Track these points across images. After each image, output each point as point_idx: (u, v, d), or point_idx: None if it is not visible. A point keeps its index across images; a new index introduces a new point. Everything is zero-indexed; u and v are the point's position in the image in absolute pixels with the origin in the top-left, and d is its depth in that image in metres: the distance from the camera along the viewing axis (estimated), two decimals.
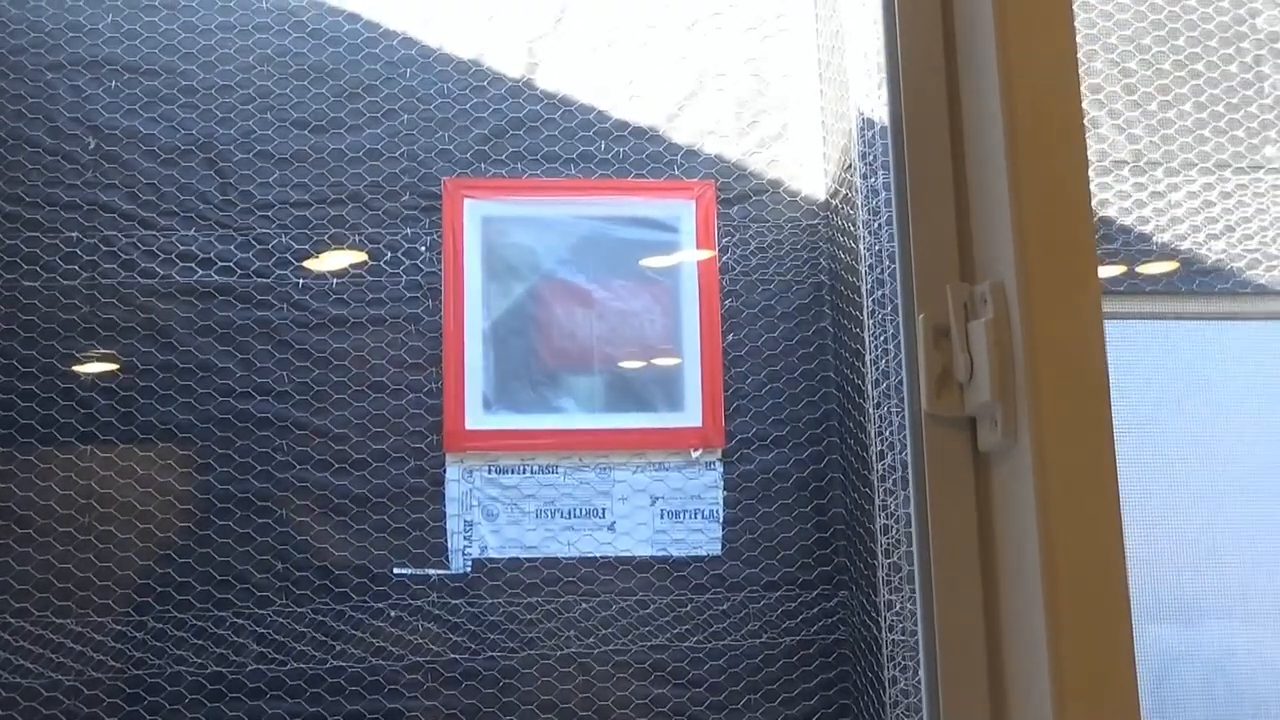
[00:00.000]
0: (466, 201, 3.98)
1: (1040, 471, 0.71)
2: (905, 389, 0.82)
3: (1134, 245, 3.92)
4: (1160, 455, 3.75)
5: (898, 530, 3.54)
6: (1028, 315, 0.72)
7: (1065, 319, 0.73)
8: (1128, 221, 3.93)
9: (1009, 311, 0.74)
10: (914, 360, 0.80)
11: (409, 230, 3.96)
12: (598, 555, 3.90)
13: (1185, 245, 3.93)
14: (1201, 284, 3.92)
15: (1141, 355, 3.86)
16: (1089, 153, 3.97)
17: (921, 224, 0.79)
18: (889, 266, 3.62)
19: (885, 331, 3.61)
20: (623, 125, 4.11)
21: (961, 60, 0.79)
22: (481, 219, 4.00)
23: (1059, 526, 0.70)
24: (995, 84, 0.74)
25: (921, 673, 0.79)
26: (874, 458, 3.68)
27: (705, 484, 3.97)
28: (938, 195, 0.79)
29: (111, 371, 3.79)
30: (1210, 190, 3.96)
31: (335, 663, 3.73)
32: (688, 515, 3.96)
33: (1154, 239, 3.93)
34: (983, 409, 0.76)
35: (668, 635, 3.88)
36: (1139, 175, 3.95)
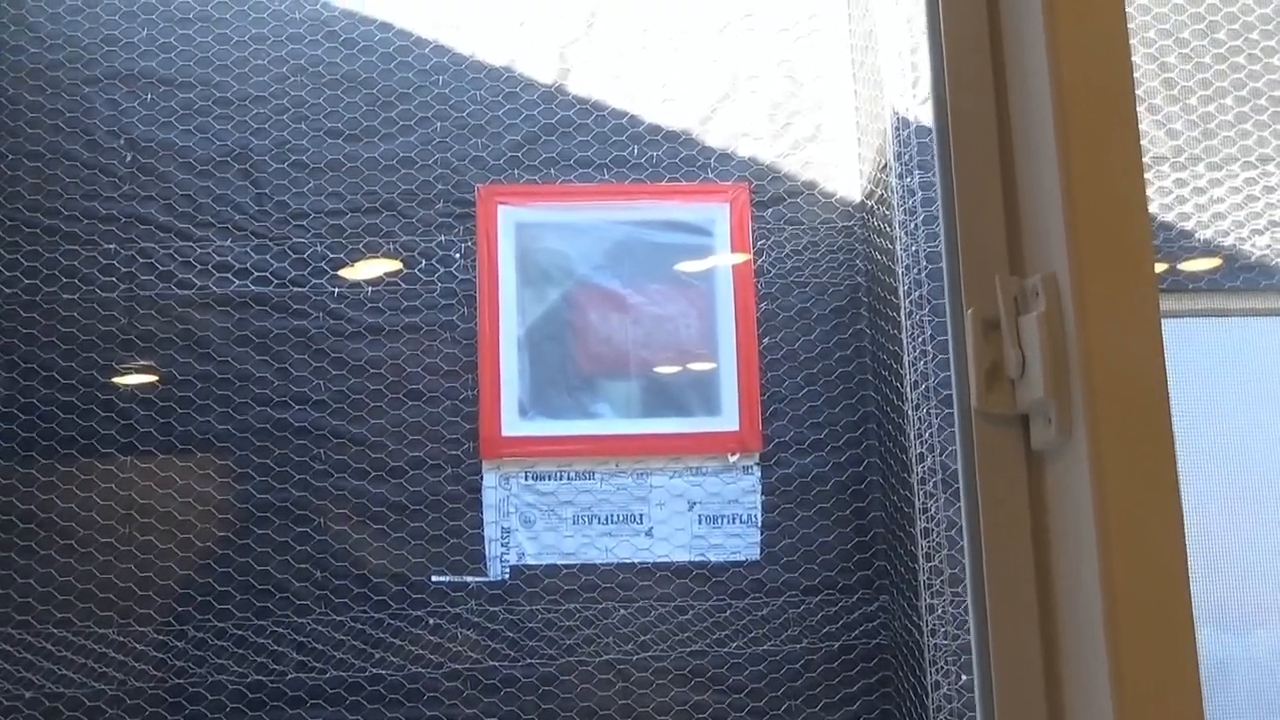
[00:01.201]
0: (500, 208, 3.97)
1: (1097, 469, 0.68)
2: (954, 386, 0.80)
3: (1176, 242, 3.86)
4: (1207, 454, 3.69)
5: (938, 534, 3.49)
6: (1082, 307, 0.70)
7: (1121, 311, 0.70)
8: (1169, 218, 3.87)
9: (1062, 304, 0.71)
10: (962, 356, 0.77)
11: (443, 238, 3.96)
12: (636, 561, 3.88)
13: (1228, 241, 3.87)
14: (1246, 280, 3.85)
15: (1185, 353, 3.80)
16: None
17: (969, 215, 0.76)
18: (926, 267, 3.58)
19: (924, 333, 3.57)
20: (655, 129, 4.09)
21: (1008, 42, 0.76)
22: (515, 225, 3.99)
23: (1117, 527, 0.68)
24: (1044, 67, 0.71)
25: (975, 680, 0.76)
26: (913, 460, 3.64)
27: (743, 488, 3.94)
28: (985, 185, 0.76)
29: (150, 382, 3.81)
30: (1253, 185, 3.90)
31: (375, 671, 3.73)
32: (726, 520, 3.93)
33: (1196, 235, 3.87)
34: (1035, 405, 0.74)
35: (707, 641, 3.86)
36: (1180, 171, 3.89)
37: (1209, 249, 3.88)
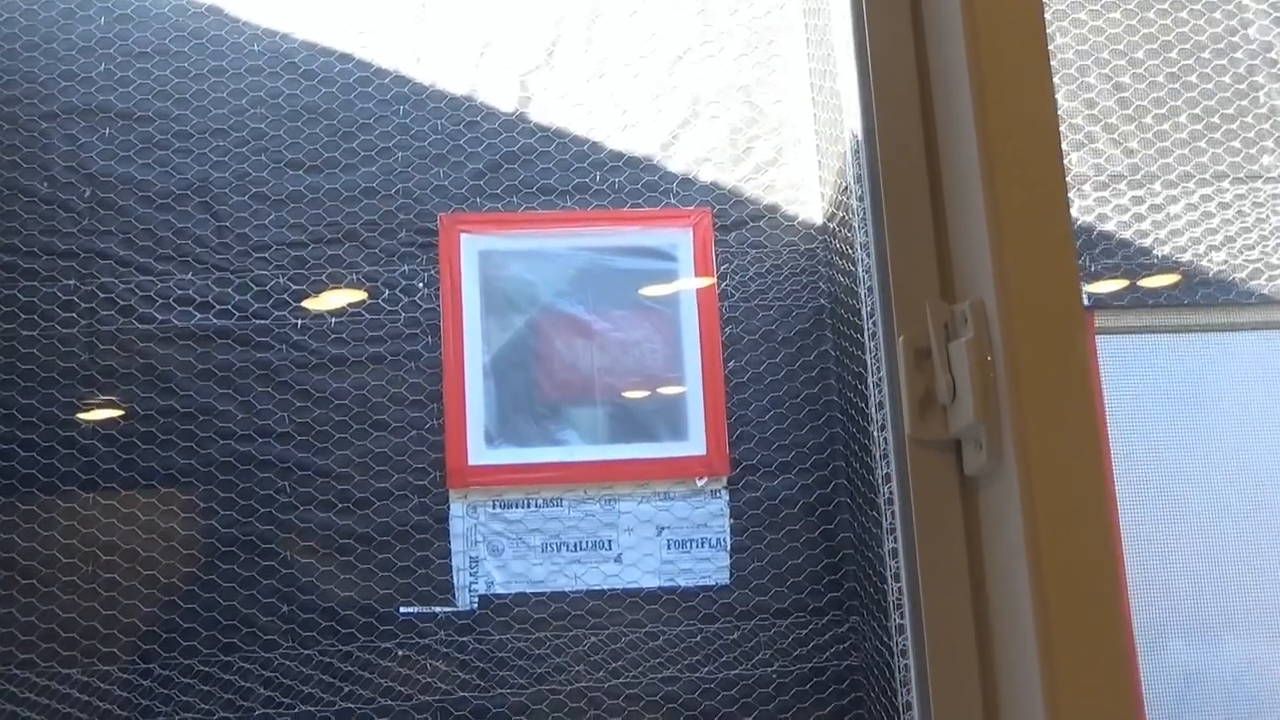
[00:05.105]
0: (463, 237, 3.97)
1: (1027, 494, 0.69)
2: (889, 413, 0.80)
3: (1134, 259, 3.90)
4: (1171, 467, 3.72)
5: None
6: (1009, 334, 0.70)
7: (1048, 336, 0.71)
8: (1127, 235, 3.92)
9: (990, 330, 0.72)
10: (896, 383, 0.78)
11: (406, 267, 3.95)
12: (605, 588, 3.87)
13: (1186, 257, 3.92)
14: (1204, 295, 3.90)
15: (1146, 369, 3.83)
16: (1086, 168, 3.95)
17: (899, 243, 0.77)
18: None
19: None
20: (617, 156, 4.11)
21: (935, 76, 0.77)
22: (479, 254, 3.99)
23: (1048, 550, 0.68)
24: (968, 99, 0.72)
25: (915, 703, 0.76)
26: (880, 480, 3.65)
27: (711, 512, 3.94)
28: (915, 214, 0.77)
29: (112, 418, 3.78)
30: (1209, 201, 3.95)
31: (344, 704, 3.70)
32: (694, 544, 3.92)
33: (1154, 252, 3.91)
34: (967, 431, 0.74)
35: (678, 667, 3.84)
36: (1137, 189, 3.94)
37: (1167, 265, 3.92)
